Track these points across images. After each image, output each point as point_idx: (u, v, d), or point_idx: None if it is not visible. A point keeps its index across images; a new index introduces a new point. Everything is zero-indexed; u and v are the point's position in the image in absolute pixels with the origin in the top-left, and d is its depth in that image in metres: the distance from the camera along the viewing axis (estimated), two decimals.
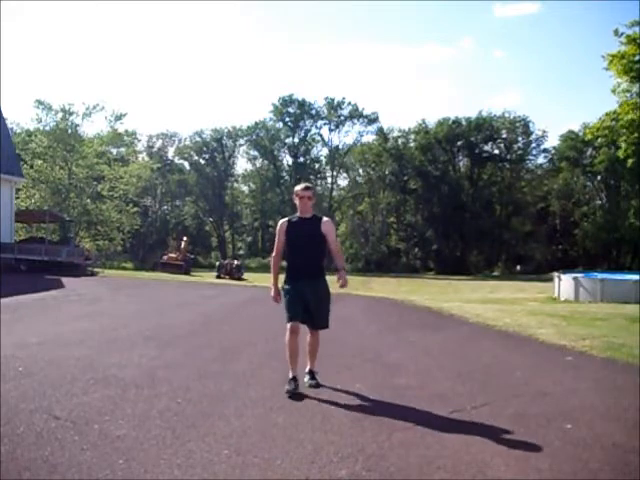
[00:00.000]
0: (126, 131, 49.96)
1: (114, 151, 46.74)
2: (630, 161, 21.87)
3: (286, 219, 5.08)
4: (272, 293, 5.00)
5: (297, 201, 4.94)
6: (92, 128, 43.08)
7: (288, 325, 4.80)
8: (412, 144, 57.60)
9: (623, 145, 20.10)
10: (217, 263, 36.71)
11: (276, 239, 5.05)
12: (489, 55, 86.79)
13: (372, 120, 58.92)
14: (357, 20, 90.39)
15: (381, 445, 3.58)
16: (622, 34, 18.60)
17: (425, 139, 55.51)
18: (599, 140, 24.36)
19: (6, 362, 5.51)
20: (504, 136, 56.23)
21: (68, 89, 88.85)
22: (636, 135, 19.34)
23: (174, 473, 3.08)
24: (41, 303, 11.52)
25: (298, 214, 4.99)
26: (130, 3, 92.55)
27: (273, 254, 5.09)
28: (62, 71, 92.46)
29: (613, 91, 20.14)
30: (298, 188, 5.00)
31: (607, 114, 20.56)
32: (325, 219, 5.00)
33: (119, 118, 41.73)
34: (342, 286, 4.80)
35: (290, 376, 4.77)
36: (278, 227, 5.06)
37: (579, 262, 48.80)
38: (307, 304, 4.84)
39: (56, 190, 38.00)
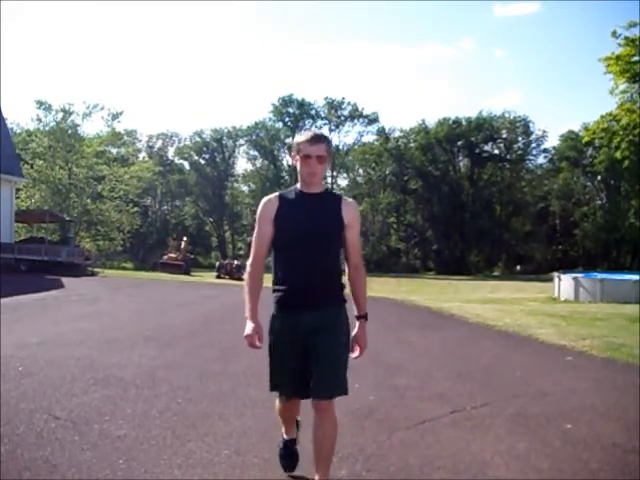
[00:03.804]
0: (125, 130, 50.08)
1: (114, 151, 46.80)
2: (627, 162, 21.94)
3: (275, 195, 2.87)
4: (247, 329, 2.71)
5: (298, 163, 2.78)
6: (92, 128, 43.22)
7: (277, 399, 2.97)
8: (412, 144, 57.61)
9: (622, 145, 20.13)
10: (217, 263, 36.73)
11: (255, 231, 2.85)
12: (489, 55, 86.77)
13: (372, 120, 58.94)
14: (357, 20, 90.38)
15: (381, 445, 3.58)
16: (619, 35, 18.65)
17: (425, 139, 55.51)
18: (599, 140, 24.42)
19: (6, 362, 5.51)
20: (504, 136, 56.22)
21: (68, 89, 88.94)
22: (631, 137, 19.38)
23: (174, 473, 3.08)
24: (41, 303, 11.52)
25: (298, 186, 2.84)
26: (130, 3, 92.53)
27: (249, 261, 2.87)
28: (62, 71, 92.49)
29: (611, 92, 20.18)
30: (302, 139, 2.77)
31: (602, 117, 20.60)
32: (348, 200, 2.89)
33: (116, 117, 41.75)
34: (357, 357, 2.80)
35: (285, 436, 3.09)
36: (260, 209, 2.84)
37: (579, 262, 48.76)
38: (311, 355, 2.73)
39: (56, 190, 38.01)
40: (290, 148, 2.95)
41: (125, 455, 3.28)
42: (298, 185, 2.86)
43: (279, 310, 2.81)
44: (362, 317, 2.85)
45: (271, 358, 2.85)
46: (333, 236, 2.79)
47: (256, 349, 2.72)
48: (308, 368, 2.72)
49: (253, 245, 2.89)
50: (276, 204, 2.81)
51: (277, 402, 2.98)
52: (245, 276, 2.92)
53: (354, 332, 2.82)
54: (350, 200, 2.92)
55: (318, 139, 2.77)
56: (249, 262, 2.88)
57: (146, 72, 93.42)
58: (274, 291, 2.82)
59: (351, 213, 2.84)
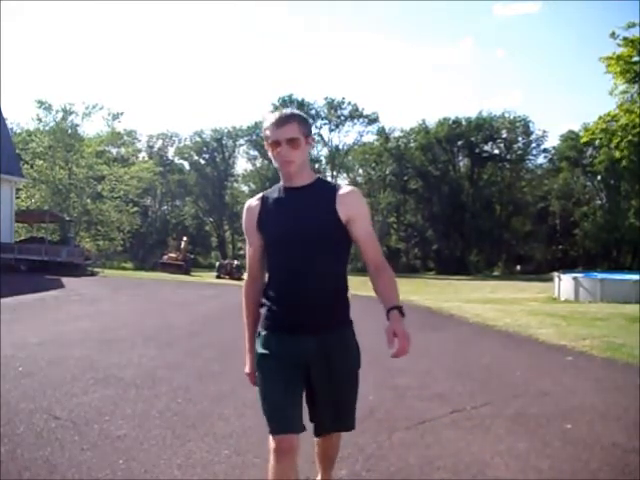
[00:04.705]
0: (125, 130, 50.17)
1: (114, 151, 46.87)
2: (625, 161, 21.98)
3: (258, 196, 2.45)
4: (246, 368, 2.49)
5: (270, 153, 2.29)
6: (92, 128, 43.31)
7: (271, 440, 2.23)
8: (412, 144, 57.64)
9: (621, 145, 20.13)
10: (217, 263, 36.75)
11: (247, 246, 2.47)
12: (489, 55, 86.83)
13: (372, 120, 58.98)
14: (357, 20, 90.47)
15: (381, 445, 3.58)
16: (618, 36, 18.67)
17: (425, 139, 55.55)
18: (599, 140, 24.46)
19: (6, 362, 5.51)
20: (504, 136, 56.28)
21: (68, 89, 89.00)
22: (630, 137, 19.39)
23: (174, 473, 3.08)
24: (41, 303, 11.52)
25: (282, 183, 2.35)
26: (130, 3, 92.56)
27: (244, 279, 2.54)
28: (62, 71, 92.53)
29: (610, 93, 20.20)
30: (268, 123, 2.26)
31: (601, 117, 20.61)
32: (346, 189, 2.33)
33: (116, 117, 41.84)
34: (397, 354, 2.12)
35: None
36: (244, 217, 2.46)
37: (579, 262, 48.78)
38: (310, 387, 2.34)
39: (56, 190, 38.05)
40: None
41: (125, 455, 3.28)
42: (281, 182, 2.36)
43: (267, 330, 2.31)
44: (394, 309, 2.12)
45: (263, 389, 2.30)
46: (326, 238, 2.24)
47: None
48: (305, 398, 2.36)
49: (247, 261, 2.47)
50: (258, 208, 2.38)
51: (270, 460, 2.22)
52: (242, 296, 2.49)
53: (392, 326, 2.08)
54: (349, 188, 2.33)
55: (286, 119, 2.24)
56: (244, 281, 2.49)
57: (146, 72, 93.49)
58: (261, 306, 2.36)
59: (351, 203, 2.27)
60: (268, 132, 2.25)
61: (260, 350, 2.33)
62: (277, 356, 2.26)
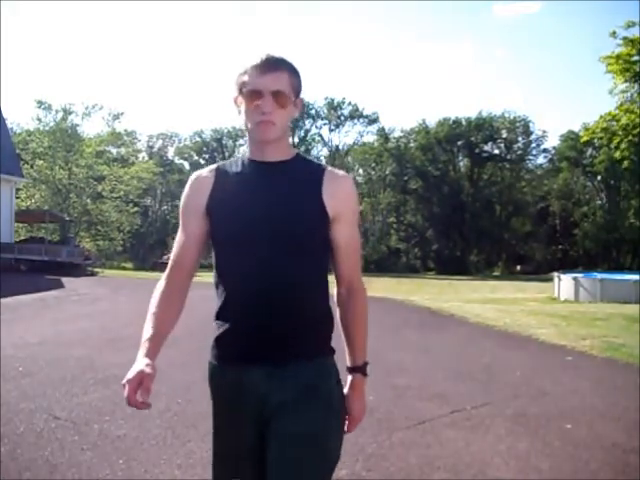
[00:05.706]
0: (125, 130, 50.25)
1: (114, 151, 46.93)
2: (626, 162, 21.98)
3: (210, 168, 1.81)
4: (130, 372, 1.64)
5: (242, 108, 1.67)
6: (92, 128, 43.36)
7: None
8: (412, 144, 57.70)
9: (622, 146, 20.13)
10: None
11: (179, 230, 1.80)
12: (489, 55, 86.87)
13: (372, 120, 59.01)
14: (357, 20, 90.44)
15: (381, 445, 3.58)
16: (618, 35, 18.68)
17: (425, 139, 55.60)
18: (598, 140, 24.52)
19: (6, 362, 5.51)
20: (504, 136, 56.31)
21: (68, 89, 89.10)
22: (630, 138, 19.38)
23: (174, 473, 3.08)
24: (41, 303, 11.52)
25: (247, 154, 1.73)
26: (130, 3, 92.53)
27: (164, 273, 1.83)
28: (62, 71, 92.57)
29: (610, 92, 20.20)
30: (248, 67, 1.67)
31: (602, 116, 20.61)
32: (336, 173, 1.69)
33: (116, 117, 41.92)
34: (348, 429, 1.86)
35: None
36: (188, 192, 1.75)
37: (579, 262, 48.80)
38: (271, 446, 1.59)
39: (56, 190, 38.09)
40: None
41: (125, 455, 3.28)
42: (246, 151, 1.74)
43: (218, 361, 1.80)
44: (358, 370, 1.68)
45: (216, 443, 1.87)
46: (308, 235, 1.59)
47: (142, 409, 1.53)
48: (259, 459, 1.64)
49: (175, 247, 1.80)
50: (210, 183, 1.69)
51: None
52: (153, 297, 1.76)
53: (346, 391, 1.69)
54: (340, 173, 1.70)
55: (275, 65, 1.64)
56: (164, 275, 1.79)
57: (146, 72, 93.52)
58: (216, 330, 1.79)
59: (342, 195, 1.64)
60: (247, 77, 1.61)
61: (214, 387, 1.84)
62: (232, 398, 1.73)
